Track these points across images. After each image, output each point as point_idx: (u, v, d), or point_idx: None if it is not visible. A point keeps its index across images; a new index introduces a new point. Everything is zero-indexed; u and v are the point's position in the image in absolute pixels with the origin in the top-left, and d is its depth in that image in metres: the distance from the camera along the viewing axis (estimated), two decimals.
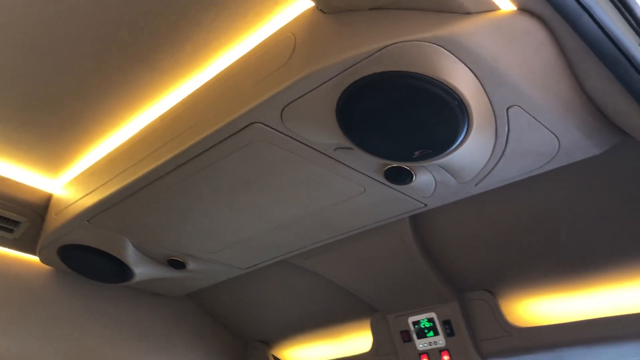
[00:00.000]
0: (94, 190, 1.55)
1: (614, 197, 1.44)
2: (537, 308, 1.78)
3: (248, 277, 2.16)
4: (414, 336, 1.95)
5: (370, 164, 1.28)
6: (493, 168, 1.29)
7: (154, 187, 1.42)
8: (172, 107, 1.39)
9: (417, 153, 1.11)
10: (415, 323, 1.95)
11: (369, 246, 1.78)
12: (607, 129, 1.18)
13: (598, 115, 1.14)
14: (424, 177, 1.32)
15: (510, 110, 1.07)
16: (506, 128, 1.12)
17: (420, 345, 1.94)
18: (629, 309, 1.58)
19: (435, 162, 1.15)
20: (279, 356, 2.55)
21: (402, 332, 1.99)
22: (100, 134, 1.54)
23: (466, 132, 1.05)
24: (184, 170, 1.34)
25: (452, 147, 1.08)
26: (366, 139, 1.12)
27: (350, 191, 1.42)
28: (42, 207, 1.79)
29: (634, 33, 1.00)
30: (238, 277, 2.14)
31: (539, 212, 1.55)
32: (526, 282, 1.76)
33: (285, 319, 2.37)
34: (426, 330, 1.93)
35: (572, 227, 1.55)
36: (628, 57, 0.93)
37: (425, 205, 1.51)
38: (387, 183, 1.36)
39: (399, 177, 1.30)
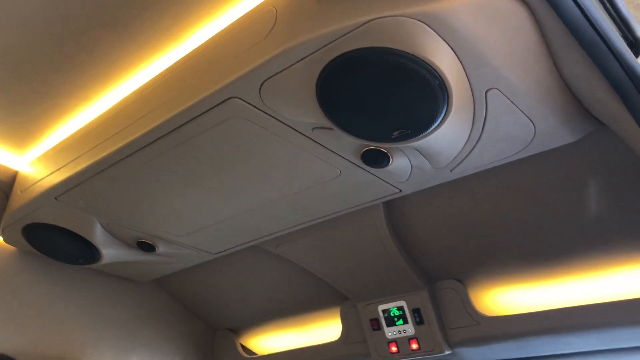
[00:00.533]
0: (63, 167, 1.50)
1: (583, 187, 1.46)
2: (506, 297, 1.81)
3: (218, 263, 2.14)
4: (384, 324, 1.96)
5: (348, 145, 1.28)
6: (469, 154, 1.30)
7: (126, 164, 1.39)
8: (148, 82, 1.36)
9: (395, 134, 1.11)
10: (385, 311, 1.95)
11: (342, 232, 1.78)
12: (581, 117, 1.20)
13: (574, 102, 1.16)
14: (401, 161, 1.32)
15: (489, 93, 1.08)
16: (484, 111, 1.13)
17: (390, 334, 1.95)
18: (594, 299, 1.61)
19: (413, 143, 1.15)
20: (247, 345, 2.53)
21: (371, 320, 1.99)
22: (72, 108, 1.50)
23: (445, 113, 1.05)
24: (158, 147, 1.31)
25: (431, 129, 1.08)
26: (345, 117, 1.11)
27: (326, 174, 1.42)
28: (7, 184, 1.73)
29: (612, 23, 1.02)
30: (207, 263, 2.12)
31: (509, 202, 1.57)
32: (495, 271, 1.78)
33: (255, 307, 2.35)
34: (396, 319, 1.94)
35: (540, 218, 1.57)
36: (608, 44, 0.94)
37: (400, 190, 1.51)
38: (364, 166, 1.36)
39: (376, 160, 1.30)
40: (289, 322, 2.35)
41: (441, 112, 1.04)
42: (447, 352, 1.85)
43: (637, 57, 1.01)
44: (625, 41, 1.04)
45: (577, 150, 1.36)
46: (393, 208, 1.71)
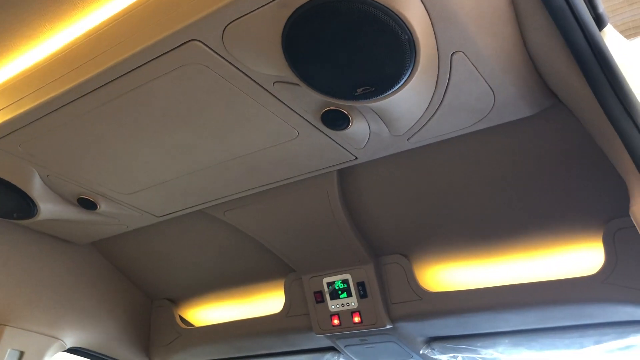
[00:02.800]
0: (2, 109, 1.41)
1: (533, 165, 1.50)
2: (449, 274, 1.84)
3: (160, 229, 2.08)
4: (327, 297, 1.96)
5: (309, 104, 1.26)
6: (427, 122, 1.30)
7: (72, 109, 1.31)
8: (103, 21, 1.28)
9: (359, 90, 1.10)
10: (330, 284, 1.95)
11: (294, 201, 1.76)
12: (540, 91, 1.22)
13: (535, 75, 1.18)
14: (360, 126, 1.31)
15: (454, 56, 1.08)
16: (447, 76, 1.14)
17: (333, 306, 1.95)
18: (533, 278, 1.66)
19: (375, 104, 1.15)
20: (185, 316, 2.48)
21: (315, 293, 1.99)
22: (15, 48, 1.40)
23: (411, 72, 1.05)
24: (107, 92, 1.24)
25: (395, 87, 1.08)
26: (310, 69, 1.09)
27: (283, 135, 1.39)
28: None
29: None
30: (149, 228, 2.06)
31: (460, 177, 1.60)
32: (440, 248, 1.81)
33: (197, 277, 2.30)
34: (340, 292, 1.94)
35: (489, 195, 1.61)
36: (574, 11, 0.96)
37: (356, 158, 1.51)
38: (322, 128, 1.35)
39: (336, 121, 1.29)
40: (231, 294, 2.31)
41: (407, 70, 1.04)
42: (388, 326, 1.87)
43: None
44: None
45: (532, 127, 1.39)
46: (346, 178, 1.70)
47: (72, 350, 2.25)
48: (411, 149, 1.48)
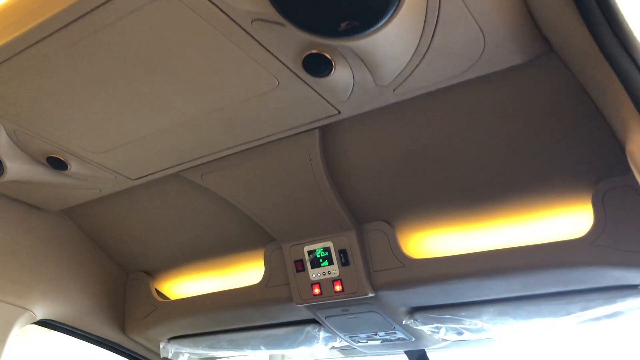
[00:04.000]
0: None
1: (521, 123, 1.45)
2: (433, 241, 1.79)
3: (135, 195, 2.00)
4: (308, 265, 1.90)
5: (289, 47, 1.19)
6: (414, 70, 1.24)
7: (34, 53, 1.22)
8: None
9: (343, 25, 1.03)
10: (311, 252, 1.89)
11: (274, 162, 1.69)
12: (533, 36, 1.17)
13: (528, 17, 1.12)
14: (343, 73, 1.25)
15: None
16: (436, 14, 1.08)
17: (314, 275, 1.89)
18: (518, 242, 1.62)
19: (360, 42, 1.08)
20: (162, 289, 2.40)
21: (296, 261, 1.93)
22: None
23: (398, 5, 0.98)
24: (76, 30, 1.16)
25: (381, 22, 1.01)
26: (291, 1, 1.02)
27: (262, 84, 1.32)
28: None
29: None
30: (123, 194, 1.98)
31: (446, 135, 1.54)
32: (425, 213, 1.76)
33: (174, 247, 2.22)
34: (321, 260, 1.88)
35: (476, 154, 1.56)
36: None
37: (339, 112, 1.44)
38: (304, 76, 1.28)
39: (318, 67, 1.22)
40: (209, 265, 2.24)
41: (394, 3, 0.97)
42: (370, 295, 1.81)
43: None
44: None
45: (521, 79, 1.34)
46: (329, 140, 1.63)
47: (43, 323, 2.16)
48: (395, 107, 1.42)
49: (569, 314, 1.66)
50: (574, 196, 1.54)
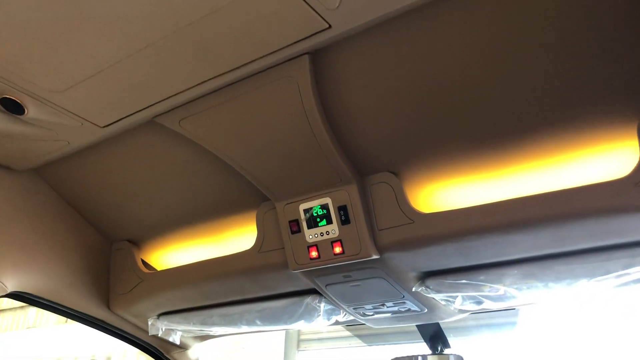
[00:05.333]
0: None
1: (552, 37, 1.19)
2: (447, 193, 1.55)
3: (111, 152, 1.79)
4: (304, 226, 1.66)
5: None
6: None
7: None
8: None
9: None
10: (307, 211, 1.66)
11: (259, 101, 1.46)
12: None
13: None
14: None
15: None
16: None
17: (310, 236, 1.66)
18: (545, 188, 1.37)
19: None
20: (148, 260, 2.19)
21: (291, 222, 1.69)
22: None
23: None
24: None
25: None
26: None
27: None
28: None
29: None
30: (98, 151, 1.77)
31: (457, 63, 1.29)
32: (437, 161, 1.52)
33: (159, 212, 2.00)
34: (318, 219, 1.64)
35: (492, 86, 1.31)
36: None
37: (330, 26, 1.20)
38: None
39: None
40: (198, 232, 2.02)
41: None
42: (374, 257, 1.57)
43: None
44: None
45: None
46: (322, 70, 1.39)
47: (16, 296, 1.96)
48: (400, 26, 1.18)
49: (607, 273, 1.40)
50: (615, 129, 1.29)
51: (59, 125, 1.57)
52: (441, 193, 1.56)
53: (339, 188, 1.60)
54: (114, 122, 1.57)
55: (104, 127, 1.59)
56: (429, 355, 2.11)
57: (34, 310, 11.31)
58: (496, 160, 1.45)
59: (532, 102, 1.30)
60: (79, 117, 1.53)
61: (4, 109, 1.48)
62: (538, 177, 1.41)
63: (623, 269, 1.38)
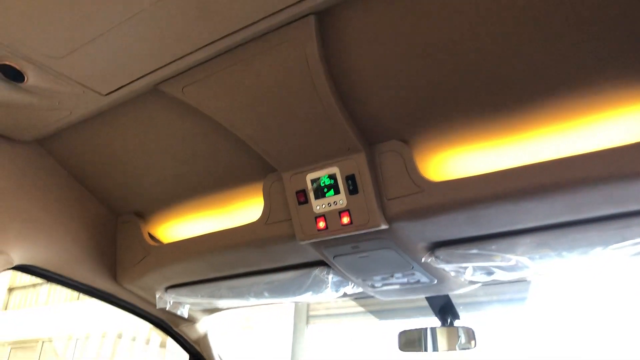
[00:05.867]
0: None
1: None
2: (458, 161, 1.51)
3: (114, 122, 1.75)
4: (311, 196, 1.63)
5: None
6: None
7: None
8: None
9: None
10: (314, 181, 1.62)
11: (264, 67, 1.41)
12: None
13: None
14: None
15: None
16: None
17: (318, 207, 1.62)
18: (560, 153, 1.32)
19: None
20: (155, 233, 2.17)
21: (297, 192, 1.66)
22: None
23: None
24: None
25: None
26: None
27: None
28: None
29: None
30: (101, 121, 1.73)
31: (470, 22, 1.24)
32: (449, 128, 1.47)
33: (164, 184, 1.98)
34: (326, 189, 1.61)
35: (507, 46, 1.25)
36: None
37: None
38: None
39: None
40: (204, 204, 2.00)
41: None
42: (382, 227, 1.54)
43: None
44: None
45: None
46: (328, 33, 1.34)
47: (23, 269, 1.95)
48: None
49: (624, 240, 1.37)
50: (633, 92, 1.23)
51: (60, 94, 1.53)
52: (452, 161, 1.52)
53: (346, 157, 1.56)
54: (116, 90, 1.53)
55: (106, 95, 1.55)
56: (438, 327, 2.10)
57: (45, 288, 11.46)
58: (508, 126, 1.41)
59: (546, 65, 1.25)
60: (80, 84, 1.50)
61: (3, 77, 1.45)
62: (553, 143, 1.36)
63: None
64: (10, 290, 12.52)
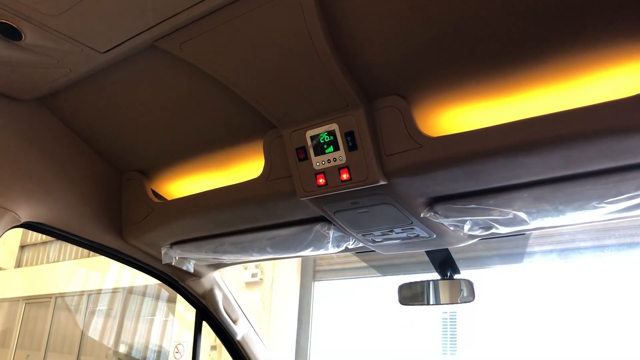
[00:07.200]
0: None
1: None
2: (457, 116, 1.52)
3: (114, 80, 1.75)
4: (311, 152, 1.64)
5: None
6: None
7: None
8: None
9: None
10: (314, 138, 1.63)
11: (261, 20, 1.40)
12: None
13: None
14: None
15: None
16: None
17: (317, 163, 1.64)
18: (558, 107, 1.32)
19: None
20: (158, 191, 2.20)
21: (297, 149, 1.67)
22: None
23: None
24: None
25: None
26: None
27: None
28: None
29: None
30: (100, 79, 1.73)
31: None
32: (448, 83, 1.47)
33: (166, 141, 1.99)
34: (325, 146, 1.62)
35: (499, 9, 1.24)
36: None
37: None
38: None
39: None
40: (205, 162, 2.02)
41: None
42: (381, 182, 1.56)
43: None
44: None
45: None
46: None
47: (30, 226, 1.99)
48: None
49: (620, 194, 1.38)
50: (629, 47, 1.22)
51: (58, 52, 1.53)
52: (450, 117, 1.52)
53: (345, 113, 1.56)
54: (114, 48, 1.53)
55: (104, 52, 1.55)
56: (438, 280, 2.14)
57: (56, 246, 11.65)
58: (506, 82, 1.40)
59: (543, 21, 1.24)
60: (78, 42, 1.50)
61: (1, 35, 1.45)
62: (549, 98, 1.36)
63: (636, 190, 1.35)
64: (22, 247, 12.77)
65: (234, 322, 2.62)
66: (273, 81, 1.55)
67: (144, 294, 9.33)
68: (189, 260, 2.31)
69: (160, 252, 2.27)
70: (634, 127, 1.21)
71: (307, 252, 2.05)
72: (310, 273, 7.23)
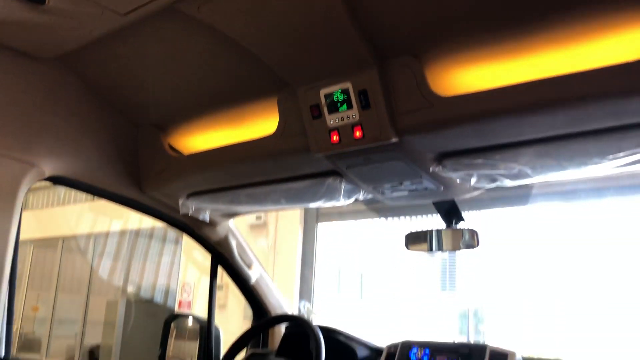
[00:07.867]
0: None
1: None
2: (468, 76, 1.57)
3: (132, 40, 1.79)
4: (325, 110, 1.71)
5: None
6: None
7: None
8: None
9: None
10: (328, 96, 1.69)
11: None
12: None
13: None
14: None
15: None
16: None
17: (331, 121, 1.71)
18: (564, 69, 1.38)
19: None
20: (175, 144, 2.27)
21: (312, 107, 1.73)
22: None
23: None
24: None
25: None
26: None
27: None
28: None
29: None
30: (120, 39, 1.77)
31: None
32: (460, 43, 1.52)
33: (183, 97, 2.06)
34: (339, 104, 1.68)
35: None
36: None
37: None
38: None
39: None
40: (221, 117, 2.08)
41: None
42: (393, 140, 1.63)
43: None
44: None
45: None
46: None
47: (54, 179, 2.08)
48: None
49: (619, 151, 1.46)
50: (635, 11, 1.27)
51: (80, 13, 1.58)
52: (461, 77, 1.58)
53: (359, 72, 1.62)
54: (134, 10, 1.57)
55: (124, 14, 1.59)
56: (443, 228, 2.24)
57: (61, 189, 11.78)
58: (516, 44, 1.45)
59: None
60: (99, 4, 1.54)
61: None
62: (557, 61, 1.41)
63: (635, 147, 1.43)
64: (29, 190, 12.88)
65: (248, 266, 2.75)
66: (289, 40, 1.60)
67: (150, 236, 9.53)
68: (205, 210, 2.41)
69: (178, 203, 2.36)
70: (637, 90, 1.27)
71: (319, 203, 2.15)
72: (314, 214, 7.37)
